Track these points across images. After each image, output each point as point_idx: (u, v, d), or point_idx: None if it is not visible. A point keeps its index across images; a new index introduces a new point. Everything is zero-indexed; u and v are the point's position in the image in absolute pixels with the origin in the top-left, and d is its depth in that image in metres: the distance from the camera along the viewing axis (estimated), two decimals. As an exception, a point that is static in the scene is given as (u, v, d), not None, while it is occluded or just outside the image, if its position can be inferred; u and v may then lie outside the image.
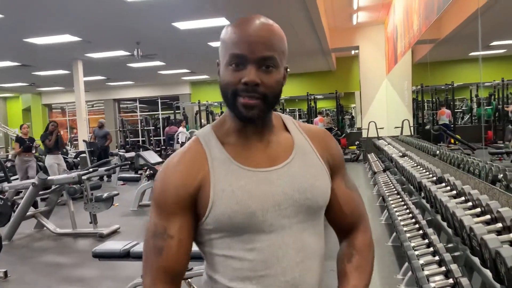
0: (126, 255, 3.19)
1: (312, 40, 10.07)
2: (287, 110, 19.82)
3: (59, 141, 8.20)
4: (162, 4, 6.69)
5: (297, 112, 21.03)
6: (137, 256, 3.15)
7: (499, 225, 2.07)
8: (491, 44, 12.12)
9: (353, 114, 19.01)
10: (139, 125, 18.85)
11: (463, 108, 16.98)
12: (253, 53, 0.88)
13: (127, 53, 10.12)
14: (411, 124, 11.59)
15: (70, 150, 11.30)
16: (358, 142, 13.12)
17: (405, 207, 4.32)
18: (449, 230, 3.14)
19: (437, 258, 2.78)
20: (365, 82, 12.05)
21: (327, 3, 8.91)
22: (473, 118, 15.35)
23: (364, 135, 11.83)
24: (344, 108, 18.14)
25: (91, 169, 6.19)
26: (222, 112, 17.81)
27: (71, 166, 9.82)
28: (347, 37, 11.98)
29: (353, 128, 16.81)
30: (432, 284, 2.36)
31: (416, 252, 2.97)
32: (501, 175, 2.97)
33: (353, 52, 13.88)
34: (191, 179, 0.90)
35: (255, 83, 0.88)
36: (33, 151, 8.18)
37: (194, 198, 0.90)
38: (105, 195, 5.66)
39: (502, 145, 8.31)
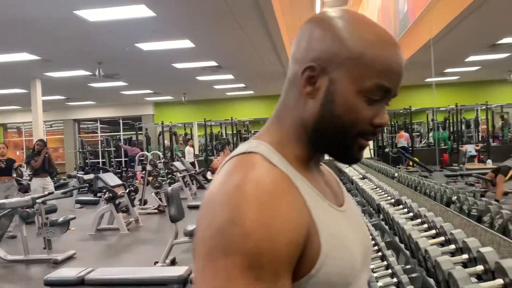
0: (80, 283, 3.06)
1: (275, 65, 10.26)
2: (252, 132, 19.94)
3: (47, 162, 7.25)
4: (125, 24, 6.65)
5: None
6: (93, 284, 3.03)
7: (452, 246, 2.13)
8: (445, 71, 12.74)
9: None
10: (100, 146, 18.39)
11: (420, 132, 17.63)
12: (396, 90, 0.67)
13: (88, 73, 9.94)
14: (371, 147, 11.90)
15: (25, 172, 10.85)
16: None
17: (365, 229, 4.37)
18: (407, 252, 3.20)
19: (395, 280, 2.81)
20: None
21: (290, 28, 9.14)
22: (428, 141, 15.95)
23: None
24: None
25: (46, 192, 5.95)
26: (186, 133, 17.83)
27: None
28: (310, 61, 12.28)
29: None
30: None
31: (375, 274, 3.00)
32: (455, 197, 3.07)
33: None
34: (301, 219, 0.60)
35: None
36: (13, 174, 7.41)
37: (303, 249, 0.60)
38: (61, 219, 5.44)
39: (457, 167, 8.64)
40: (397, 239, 3.59)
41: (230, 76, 11.99)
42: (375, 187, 6.09)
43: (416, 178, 5.82)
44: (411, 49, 8.70)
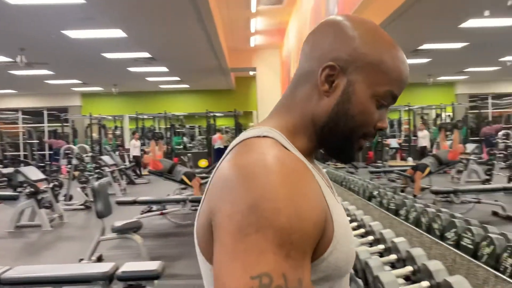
0: (-6, 283, 2.85)
1: (211, 59, 10.19)
2: (187, 126, 19.69)
3: None
4: (50, 9, 6.27)
5: (196, 128, 20.98)
6: (9, 283, 2.84)
7: (371, 237, 2.26)
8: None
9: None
10: (21, 138, 17.21)
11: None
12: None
13: (9, 60, 9.24)
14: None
15: None
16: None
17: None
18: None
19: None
20: (262, 102, 12.49)
21: (226, 24, 9.13)
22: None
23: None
24: (243, 126, 18.58)
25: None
26: (116, 127, 17.22)
27: None
28: (246, 58, 12.36)
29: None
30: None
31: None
32: (376, 192, 3.26)
33: (251, 72, 14.34)
34: (322, 203, 0.63)
35: None
36: None
37: (323, 231, 0.62)
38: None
39: (381, 164, 9.15)
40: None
41: (164, 69, 11.74)
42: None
43: (343, 174, 6.11)
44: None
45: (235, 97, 16.77)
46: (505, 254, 2.01)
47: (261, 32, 10.20)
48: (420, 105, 16.32)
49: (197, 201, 6.23)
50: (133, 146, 12.67)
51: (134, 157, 12.47)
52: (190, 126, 20.46)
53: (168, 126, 15.95)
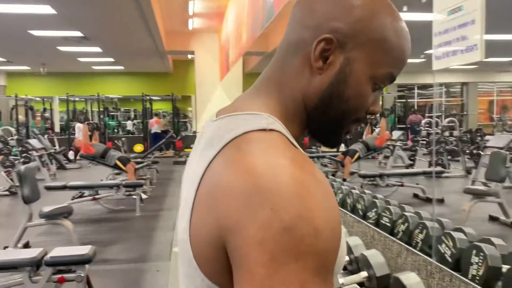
0: None
1: (147, 40, 9.91)
2: (122, 110, 19.07)
3: None
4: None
5: (132, 112, 20.36)
6: None
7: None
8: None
9: (190, 118, 19.33)
10: None
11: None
12: None
13: None
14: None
15: None
16: (193, 145, 13.38)
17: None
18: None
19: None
20: (200, 86, 12.39)
21: (163, 5, 8.90)
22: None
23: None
24: (182, 111, 18.31)
25: None
26: (45, 109, 16.24)
27: None
28: (183, 41, 12.15)
29: (189, 132, 17.08)
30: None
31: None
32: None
33: (189, 56, 14.13)
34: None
35: None
36: None
37: None
38: None
39: (315, 150, 9.49)
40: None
41: (97, 49, 11.24)
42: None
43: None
44: (276, 40, 9.23)
45: (173, 81, 16.46)
46: (416, 231, 2.21)
47: (200, 15, 10.06)
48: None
49: (131, 186, 6.12)
50: (79, 129, 12.06)
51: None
52: (125, 109, 19.84)
53: (101, 109, 15.34)
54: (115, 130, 16.76)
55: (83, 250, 2.80)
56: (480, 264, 1.76)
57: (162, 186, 8.38)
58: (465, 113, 16.77)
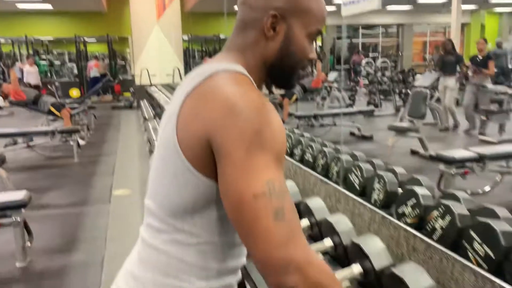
0: None
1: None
2: (54, 52, 17.92)
3: None
4: None
5: (66, 55, 19.22)
6: None
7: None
8: None
9: (128, 60, 18.56)
10: None
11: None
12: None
13: None
14: (182, 72, 12.14)
15: None
16: (132, 89, 13.02)
17: (168, 149, 4.67)
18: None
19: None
20: (136, 26, 11.84)
21: None
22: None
23: (137, 82, 11.82)
24: (120, 53, 17.51)
25: None
26: (15, 53, 14.88)
27: None
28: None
29: (128, 75, 16.50)
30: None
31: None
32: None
33: (123, -6, 13.37)
34: None
35: None
36: None
37: None
38: None
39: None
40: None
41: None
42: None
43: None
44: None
45: (107, 21, 15.54)
46: (332, 163, 2.45)
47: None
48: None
49: (67, 132, 5.99)
50: (28, 73, 11.18)
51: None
52: (58, 52, 18.66)
53: (31, 52, 14.37)
54: (48, 75, 15.85)
55: (18, 195, 2.81)
56: (380, 189, 2.02)
57: (100, 132, 8.24)
58: (400, 53, 17.39)
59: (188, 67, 14.81)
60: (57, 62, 17.18)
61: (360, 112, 8.10)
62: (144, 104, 9.89)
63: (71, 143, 5.97)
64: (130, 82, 14.13)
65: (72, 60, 17.82)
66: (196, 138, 0.73)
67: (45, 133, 5.87)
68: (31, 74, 11.07)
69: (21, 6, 13.94)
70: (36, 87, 10.47)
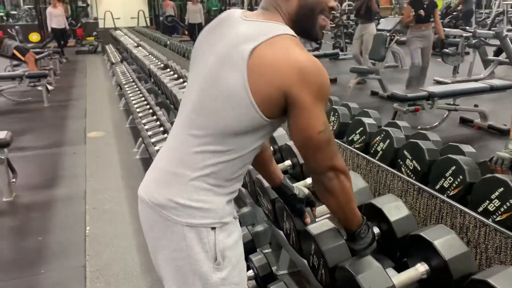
0: None
1: None
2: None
3: None
4: None
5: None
6: None
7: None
8: None
9: (89, 2, 17.74)
10: None
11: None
12: None
13: None
14: (147, 15, 11.87)
15: None
16: (95, 33, 12.64)
17: (139, 92, 4.81)
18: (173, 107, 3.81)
19: (162, 128, 3.42)
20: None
21: None
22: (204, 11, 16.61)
23: (101, 25, 11.51)
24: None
25: None
26: None
27: None
28: None
29: (89, 18, 15.89)
30: (157, 147, 2.99)
31: (146, 127, 3.54)
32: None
33: None
34: None
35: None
36: None
37: None
38: None
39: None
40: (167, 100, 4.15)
41: None
42: (147, 54, 6.46)
43: (185, 46, 6.42)
44: None
45: (65, -41, 14.70)
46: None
47: None
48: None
49: (35, 76, 5.97)
50: (52, 16, 10.05)
51: (56, 30, 10.05)
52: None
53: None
54: (4, 18, 15.07)
55: (0, 134, 2.95)
56: (335, 121, 2.32)
57: (67, 77, 8.16)
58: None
59: (152, 10, 14.40)
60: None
61: (326, 55, 8.32)
62: (110, 48, 9.75)
63: (40, 88, 5.97)
64: (92, 26, 13.67)
65: (27, 1, 16.90)
66: (273, 87, 0.95)
67: (13, 78, 5.83)
68: (56, 18, 10.06)
69: None
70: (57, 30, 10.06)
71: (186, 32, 11.95)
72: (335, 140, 1.41)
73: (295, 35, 1.01)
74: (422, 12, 5.33)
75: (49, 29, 10.10)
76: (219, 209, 1.04)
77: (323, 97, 0.98)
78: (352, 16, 10.30)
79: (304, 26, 1.06)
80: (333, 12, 1.10)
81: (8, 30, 10.96)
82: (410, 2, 5.56)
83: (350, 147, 1.80)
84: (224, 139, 1.00)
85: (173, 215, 1.02)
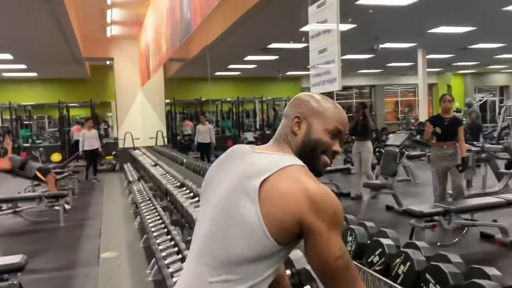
0: None
1: (62, 47, 9.71)
2: (35, 117, 18.13)
3: None
4: None
5: (46, 119, 19.45)
6: None
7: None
8: (229, 67, 14.23)
9: (110, 124, 18.89)
10: None
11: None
12: (346, 131, 1.21)
13: None
14: (165, 135, 12.48)
15: None
16: (114, 152, 13.22)
17: (154, 211, 4.86)
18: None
19: (176, 249, 3.38)
20: (120, 93, 12.30)
21: (79, 11, 8.83)
22: (219, 129, 17.47)
23: (121, 145, 12.07)
24: (101, 117, 17.87)
25: None
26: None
27: None
28: (102, 47, 12.00)
29: (110, 138, 16.75)
30: (170, 270, 2.92)
31: (160, 247, 3.51)
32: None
33: (107, 62, 13.94)
34: None
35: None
36: None
37: None
38: None
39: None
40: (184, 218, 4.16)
41: (8, 56, 10.77)
42: (164, 173, 6.66)
43: (201, 164, 6.62)
44: (196, 48, 9.58)
45: (91, 86, 16.00)
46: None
47: (118, 23, 10.06)
48: (272, 97, 17.83)
49: (54, 197, 6.12)
50: (85, 137, 10.31)
51: (88, 151, 10.35)
52: (38, 116, 18.87)
53: (14, 117, 14.56)
54: (29, 140, 15.98)
55: (15, 258, 2.95)
56: (352, 242, 2.29)
57: (84, 196, 8.34)
58: (373, 113, 18.25)
59: (170, 129, 15.19)
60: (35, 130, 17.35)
61: (338, 170, 8.47)
62: (128, 167, 10.09)
63: (57, 207, 6.08)
64: (112, 145, 14.35)
65: (52, 124, 18.03)
66: (286, 215, 0.99)
67: (32, 199, 5.98)
68: (90, 139, 10.35)
69: (6, 74, 14.35)
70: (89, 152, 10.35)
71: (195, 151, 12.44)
72: (354, 263, 1.40)
73: (304, 165, 1.09)
74: (438, 129, 4.99)
75: (80, 150, 10.46)
76: None
77: (338, 223, 1.01)
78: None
79: (308, 161, 1.13)
80: (336, 154, 1.20)
81: (33, 152, 11.52)
82: (430, 119, 5.37)
83: (371, 271, 1.76)
84: (236, 267, 1.01)
85: None
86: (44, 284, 3.83)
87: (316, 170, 1.14)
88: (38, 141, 15.69)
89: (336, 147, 1.17)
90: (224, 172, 1.12)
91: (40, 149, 11.61)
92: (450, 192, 5.27)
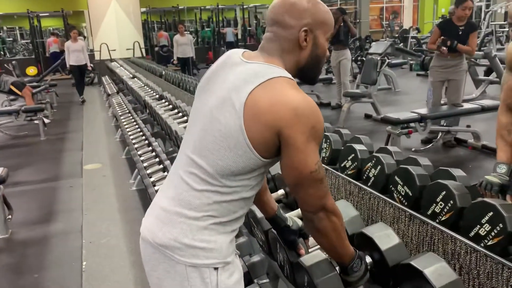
0: None
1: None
2: (4, 28, 17.21)
3: None
4: None
5: (17, 31, 18.46)
6: None
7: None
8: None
9: (85, 35, 18.04)
10: None
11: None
12: None
13: None
14: (142, 46, 12.04)
15: None
16: (91, 65, 12.78)
17: (135, 123, 4.84)
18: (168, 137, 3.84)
19: (158, 159, 3.43)
20: (92, 1, 11.58)
21: None
22: (199, 40, 16.91)
23: (97, 57, 11.66)
24: (76, 27, 16.99)
25: None
26: None
27: None
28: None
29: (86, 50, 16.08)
30: (152, 179, 2.99)
31: (142, 158, 3.56)
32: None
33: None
34: None
35: None
36: None
37: None
38: None
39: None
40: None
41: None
42: (143, 85, 6.55)
43: (180, 76, 6.51)
44: None
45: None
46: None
47: None
48: (254, 4, 17.07)
49: (31, 111, 6.02)
50: (70, 50, 8.87)
51: (75, 67, 8.88)
52: (8, 27, 17.92)
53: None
54: (1, 52, 15.29)
55: (-5, 172, 2.97)
56: (327, 148, 2.34)
57: (63, 109, 8.22)
58: (357, 20, 17.72)
59: (147, 40, 14.62)
60: (8, 39, 16.55)
61: (319, 80, 8.42)
62: (106, 80, 9.84)
63: (36, 121, 6.01)
64: (88, 58, 13.83)
65: (24, 36, 17.18)
66: (267, 128, 0.98)
67: (9, 113, 5.88)
68: (75, 53, 8.87)
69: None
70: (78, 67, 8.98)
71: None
72: (327, 167, 1.43)
73: (292, 78, 1.06)
74: (449, 42, 4.25)
75: (68, 66, 9.08)
76: (222, 249, 1.05)
77: (316, 137, 1.00)
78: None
79: (311, 73, 1.15)
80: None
81: (5, 65, 11.09)
82: (440, 25, 4.54)
83: (342, 175, 1.82)
84: (223, 179, 1.03)
85: (177, 255, 1.04)
86: (28, 195, 3.91)
87: (316, 80, 1.17)
88: (10, 55, 15.06)
89: (327, 52, 1.18)
90: (215, 82, 1.10)
91: (13, 62, 11.14)
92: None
